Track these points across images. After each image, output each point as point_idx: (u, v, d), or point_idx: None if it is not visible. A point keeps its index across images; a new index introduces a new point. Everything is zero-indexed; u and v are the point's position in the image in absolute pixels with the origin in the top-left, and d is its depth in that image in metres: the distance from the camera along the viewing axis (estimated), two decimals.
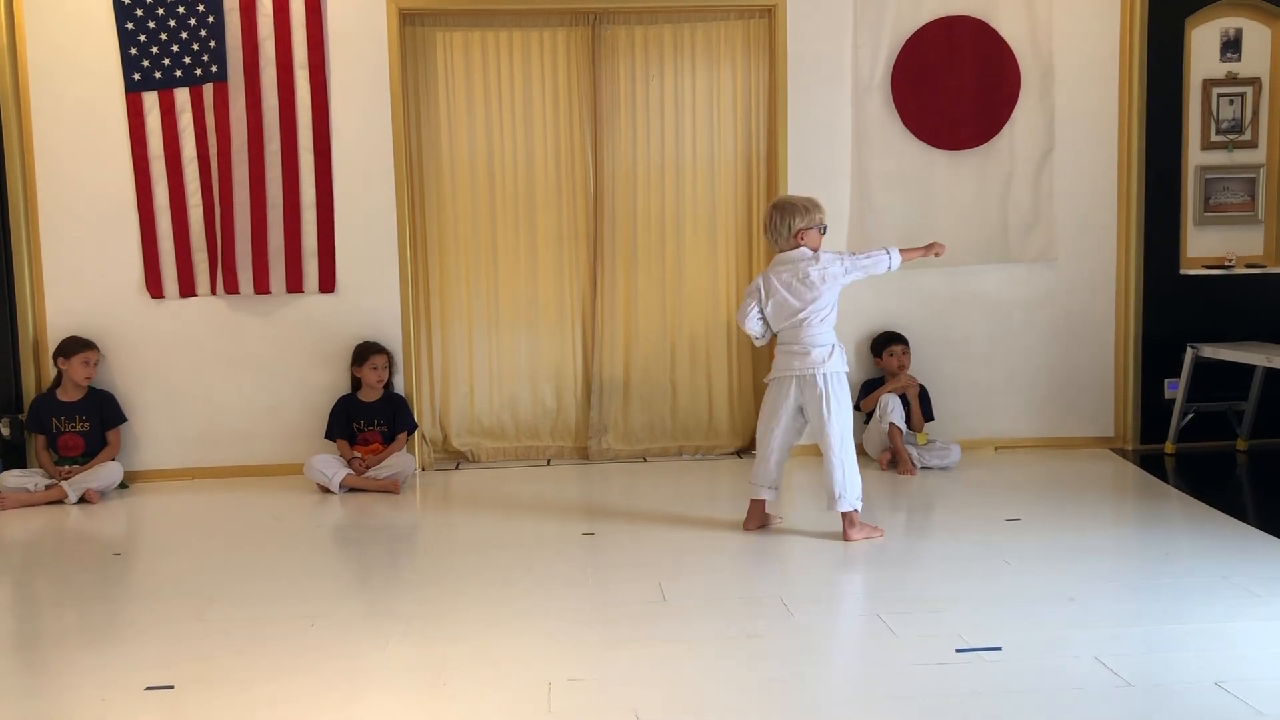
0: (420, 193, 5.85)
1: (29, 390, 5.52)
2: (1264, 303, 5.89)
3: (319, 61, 5.53)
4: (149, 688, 2.95)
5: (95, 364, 5.44)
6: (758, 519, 4.43)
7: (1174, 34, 5.76)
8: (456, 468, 5.84)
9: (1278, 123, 5.86)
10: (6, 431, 5.45)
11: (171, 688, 2.95)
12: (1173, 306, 5.86)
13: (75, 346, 5.39)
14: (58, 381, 5.43)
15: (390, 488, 5.24)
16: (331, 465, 5.27)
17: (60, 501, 5.15)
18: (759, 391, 6.04)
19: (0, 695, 2.97)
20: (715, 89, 5.90)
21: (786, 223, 4.26)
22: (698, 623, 3.37)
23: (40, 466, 5.37)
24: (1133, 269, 5.84)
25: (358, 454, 5.40)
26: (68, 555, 4.40)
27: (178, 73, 5.49)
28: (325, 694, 2.90)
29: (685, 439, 6.03)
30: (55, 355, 5.42)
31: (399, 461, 5.35)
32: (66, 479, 5.21)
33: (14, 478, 5.21)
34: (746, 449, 6.01)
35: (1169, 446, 5.80)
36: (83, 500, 5.16)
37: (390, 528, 4.66)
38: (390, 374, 5.58)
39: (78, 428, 5.39)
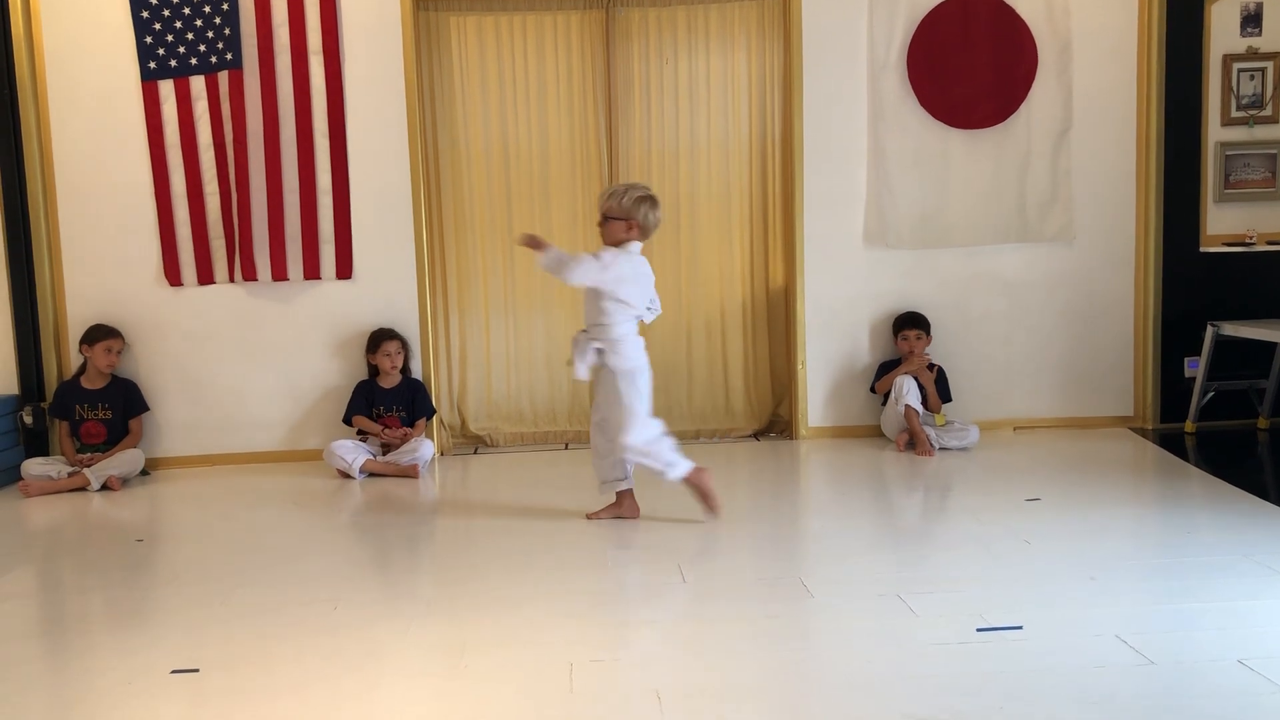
0: (436, 177, 5.85)
1: (50, 379, 5.56)
2: None
3: (333, 48, 5.54)
4: (174, 671, 2.98)
5: (118, 352, 5.48)
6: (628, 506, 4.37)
7: (1193, 8, 5.70)
8: (475, 452, 5.86)
9: None
10: (29, 419, 5.50)
11: (196, 671, 2.98)
12: (1193, 284, 5.82)
13: (99, 334, 5.43)
14: (83, 369, 5.47)
15: (410, 473, 5.27)
16: (352, 451, 5.30)
17: (83, 488, 5.20)
18: (776, 374, 6.06)
19: (27, 680, 3.00)
20: (730, 70, 5.88)
21: (658, 216, 4.26)
22: (717, 604, 3.38)
23: (63, 454, 5.42)
24: (1152, 247, 5.80)
25: (383, 425, 5.43)
26: (91, 542, 4.44)
27: (193, 61, 5.51)
28: (348, 676, 2.92)
29: (702, 422, 6.03)
30: (80, 342, 5.46)
31: (418, 446, 5.37)
32: (88, 466, 5.25)
33: (37, 465, 5.26)
34: (764, 431, 6.02)
35: (1189, 425, 5.76)
36: (105, 487, 5.20)
37: (410, 512, 4.68)
38: (406, 359, 5.60)
39: (100, 415, 5.43)
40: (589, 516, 4.37)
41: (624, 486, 4.34)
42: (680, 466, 4.21)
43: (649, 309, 4.28)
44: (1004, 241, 5.82)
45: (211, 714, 2.73)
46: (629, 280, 4.16)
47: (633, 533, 4.21)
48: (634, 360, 4.20)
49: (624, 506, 4.36)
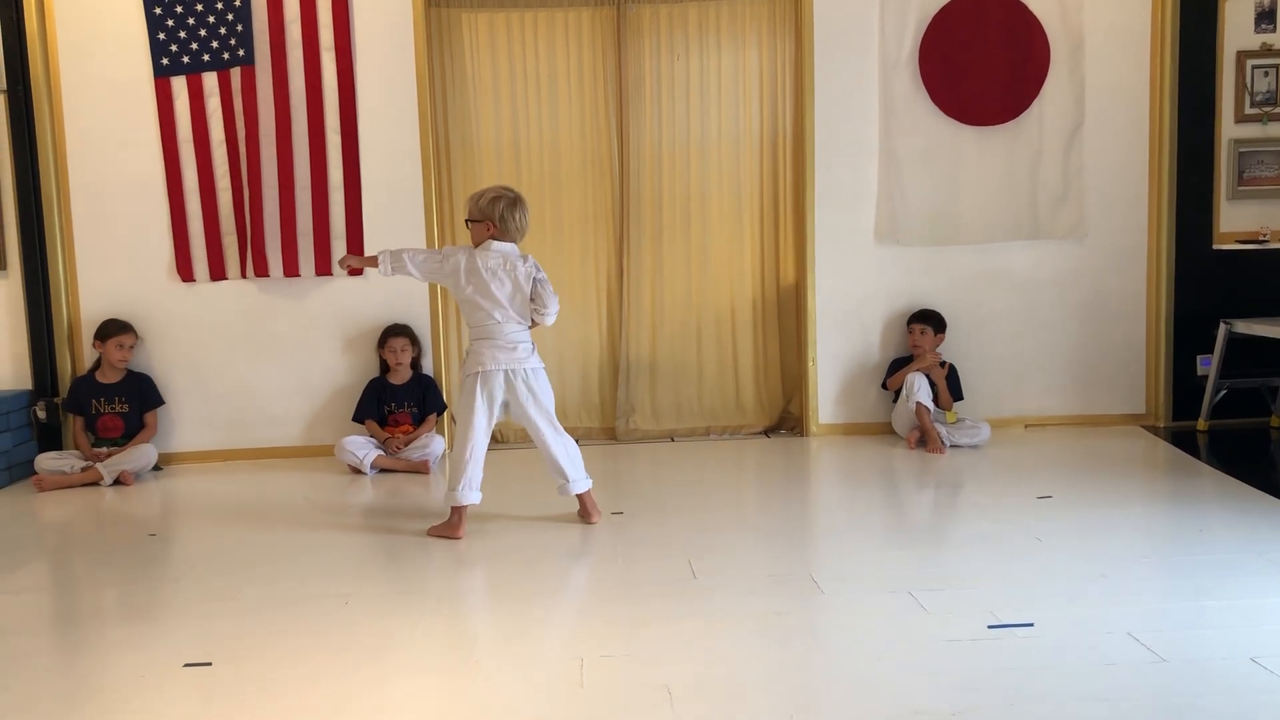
0: (447, 174, 5.86)
1: (64, 374, 5.59)
2: None
3: (345, 44, 5.55)
4: (187, 665, 2.99)
5: (131, 347, 5.50)
6: (462, 525, 4.18)
7: (1207, 5, 5.68)
8: None
9: None
10: (43, 414, 5.53)
11: (209, 665, 2.99)
12: (1205, 282, 5.80)
13: (111, 329, 5.45)
14: (97, 364, 5.50)
15: (421, 468, 5.28)
16: (363, 446, 5.31)
17: (95, 483, 5.22)
18: (787, 370, 6.05)
19: (41, 673, 3.02)
20: (740, 67, 5.87)
21: (524, 216, 4.17)
22: (727, 600, 3.38)
23: (77, 448, 5.44)
24: (1164, 244, 5.78)
25: (389, 434, 5.45)
26: (104, 536, 4.46)
27: (205, 57, 5.52)
28: (358, 671, 2.93)
29: (712, 419, 6.03)
30: (94, 338, 5.49)
31: (429, 442, 5.38)
32: (103, 461, 5.27)
33: (50, 460, 5.29)
34: (774, 428, 6.01)
35: (1201, 423, 5.74)
36: (118, 482, 5.22)
37: (421, 507, 4.69)
38: (418, 356, 5.61)
39: (117, 409, 5.45)
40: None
41: (576, 490, 4.27)
42: (464, 498, 4.14)
43: (538, 311, 4.18)
44: (1015, 239, 5.81)
45: (223, 708, 2.74)
46: (473, 274, 4.09)
47: (642, 529, 4.21)
48: (467, 367, 4.19)
49: (582, 509, 4.32)
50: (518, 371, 4.16)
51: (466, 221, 4.21)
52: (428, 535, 4.20)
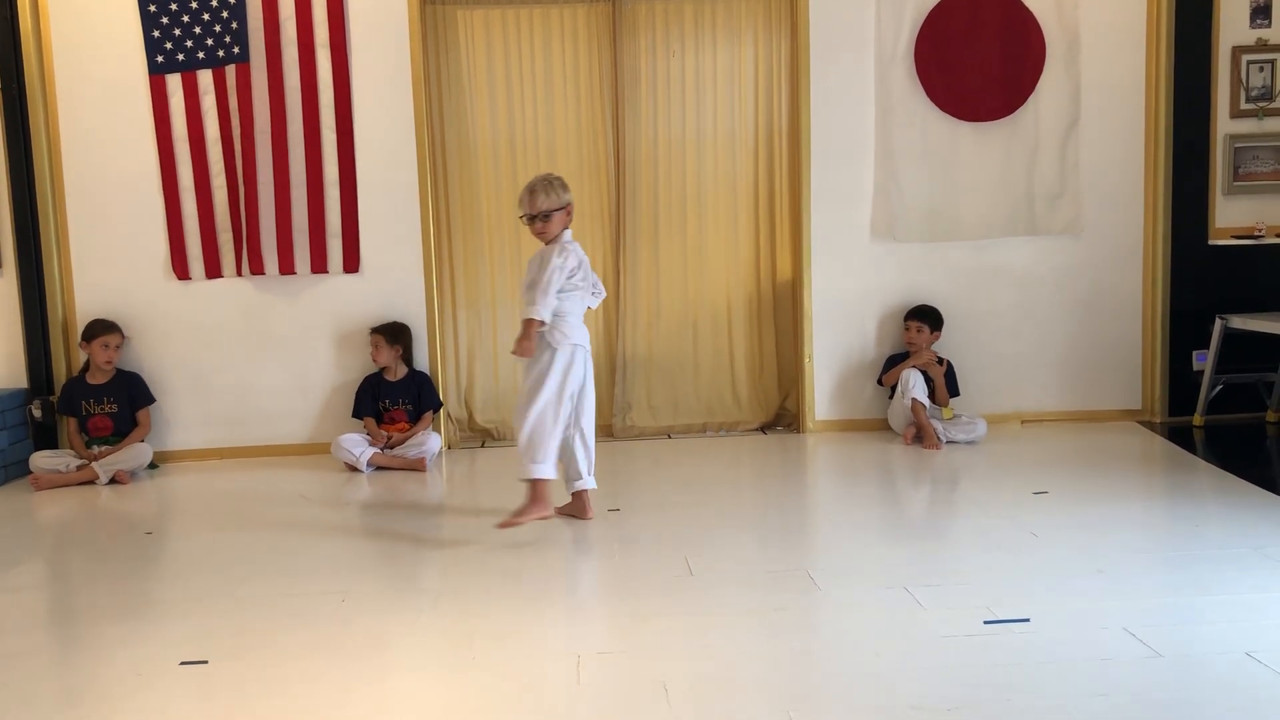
0: (443, 171, 5.86)
1: (59, 372, 5.58)
2: None
3: (340, 41, 5.54)
4: (183, 663, 2.99)
5: (117, 347, 5.48)
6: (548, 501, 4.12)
7: (1202, 1, 5.68)
8: (482, 445, 5.87)
9: None
10: (38, 413, 5.52)
11: (205, 663, 2.99)
12: (1201, 277, 5.80)
13: (96, 330, 5.43)
14: (86, 365, 5.49)
15: (417, 466, 5.27)
16: (359, 444, 5.31)
17: (91, 482, 5.21)
18: (783, 368, 6.05)
19: (37, 671, 3.02)
20: (736, 64, 5.87)
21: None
22: (724, 596, 3.38)
23: (72, 448, 5.43)
24: (1160, 240, 5.79)
25: (384, 431, 5.45)
26: (100, 534, 4.46)
27: (200, 54, 5.51)
28: (356, 668, 2.93)
29: (709, 416, 6.03)
30: (80, 339, 5.47)
31: (425, 439, 5.38)
32: (98, 460, 5.26)
33: (46, 459, 5.28)
34: (771, 425, 6.01)
35: (1197, 419, 5.75)
36: (113, 481, 5.22)
37: (417, 505, 4.69)
38: (408, 351, 5.59)
39: (106, 409, 5.44)
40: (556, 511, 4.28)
41: (590, 484, 4.28)
42: (546, 470, 4.05)
43: (594, 294, 4.26)
44: (1012, 235, 5.81)
45: (220, 705, 2.74)
46: (582, 263, 4.15)
47: (639, 525, 4.21)
48: (559, 339, 4.08)
49: (574, 505, 4.32)
50: (588, 350, 4.21)
51: (543, 214, 4.08)
52: (502, 528, 4.01)
